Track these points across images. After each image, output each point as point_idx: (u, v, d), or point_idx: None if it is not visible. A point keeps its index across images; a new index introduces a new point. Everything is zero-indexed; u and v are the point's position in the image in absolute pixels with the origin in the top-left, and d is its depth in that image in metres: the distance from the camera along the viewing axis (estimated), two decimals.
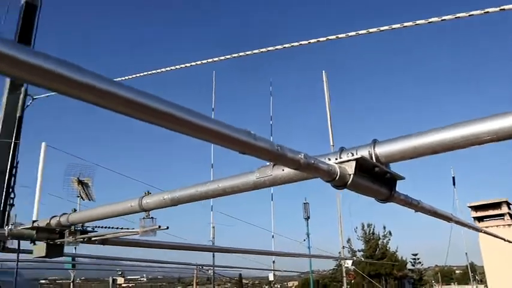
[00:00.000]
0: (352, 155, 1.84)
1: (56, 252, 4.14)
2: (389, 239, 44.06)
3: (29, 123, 5.30)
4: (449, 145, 1.78)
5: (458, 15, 3.42)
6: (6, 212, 4.68)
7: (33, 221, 3.97)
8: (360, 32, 3.95)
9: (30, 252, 4.56)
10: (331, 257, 21.79)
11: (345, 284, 21.13)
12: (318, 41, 4.22)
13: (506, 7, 3.17)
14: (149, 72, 5.61)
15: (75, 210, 3.85)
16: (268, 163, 2.21)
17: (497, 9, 3.21)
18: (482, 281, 36.81)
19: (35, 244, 4.18)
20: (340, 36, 4.04)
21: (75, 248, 7.50)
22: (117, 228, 3.88)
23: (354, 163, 1.79)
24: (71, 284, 17.06)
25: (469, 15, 3.36)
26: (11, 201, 4.80)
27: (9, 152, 4.91)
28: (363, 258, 39.11)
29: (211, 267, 17.83)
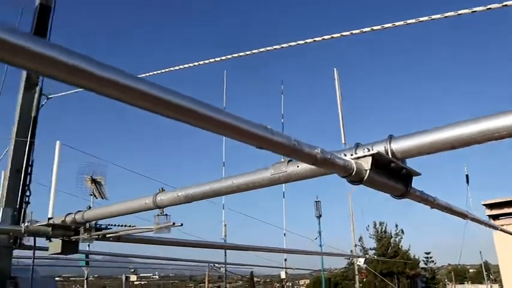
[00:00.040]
0: (368, 150, 1.83)
1: (71, 249, 4.19)
2: (401, 237, 43.77)
3: (44, 123, 5.36)
4: (466, 140, 1.76)
5: (460, 12, 3.39)
6: (22, 210, 4.75)
7: (49, 218, 4.02)
8: (364, 29, 3.92)
9: (44, 249, 4.62)
10: (343, 254, 21.74)
11: (357, 282, 21.01)
12: (323, 39, 4.20)
13: (508, 3, 3.12)
14: (159, 71, 5.64)
15: (89, 208, 3.88)
16: (282, 159, 2.21)
17: (500, 5, 3.17)
18: (497, 280, 36.35)
19: (50, 241, 4.23)
20: (344, 34, 4.02)
21: (89, 245, 7.59)
22: (129, 226, 3.92)
23: (370, 159, 1.78)
24: (85, 281, 17.25)
25: (472, 12, 3.33)
26: (27, 199, 4.87)
27: (25, 151, 4.98)
28: (375, 256, 38.86)
29: (223, 265, 17.89)
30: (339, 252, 19.33)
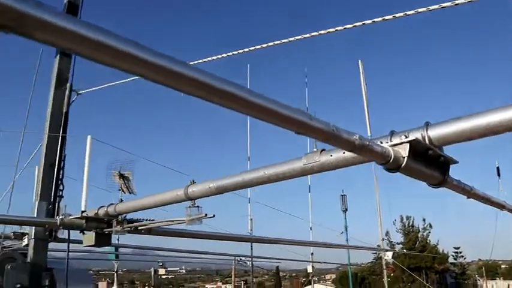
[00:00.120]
0: (406, 137, 1.78)
1: (104, 241, 4.28)
2: (429, 232, 42.91)
3: (74, 118, 5.47)
4: (509, 125, 1.70)
5: (457, 2, 3.29)
6: (56, 203, 4.87)
7: (82, 211, 4.11)
8: (366, 21, 3.83)
9: (76, 242, 4.74)
10: (371, 248, 21.50)
11: (385, 277, 20.77)
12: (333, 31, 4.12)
13: None
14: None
15: (121, 201, 3.95)
16: (315, 149, 2.19)
17: None
18: None
19: (83, 234, 4.33)
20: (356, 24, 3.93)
21: (118, 238, 7.74)
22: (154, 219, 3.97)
23: (407, 145, 1.74)
24: (115, 274, 17.65)
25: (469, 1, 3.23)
26: (60, 193, 4.99)
27: (57, 146, 5.11)
28: (405, 250, 38.25)
29: (250, 259, 17.97)
30: (366, 246, 19.12)
